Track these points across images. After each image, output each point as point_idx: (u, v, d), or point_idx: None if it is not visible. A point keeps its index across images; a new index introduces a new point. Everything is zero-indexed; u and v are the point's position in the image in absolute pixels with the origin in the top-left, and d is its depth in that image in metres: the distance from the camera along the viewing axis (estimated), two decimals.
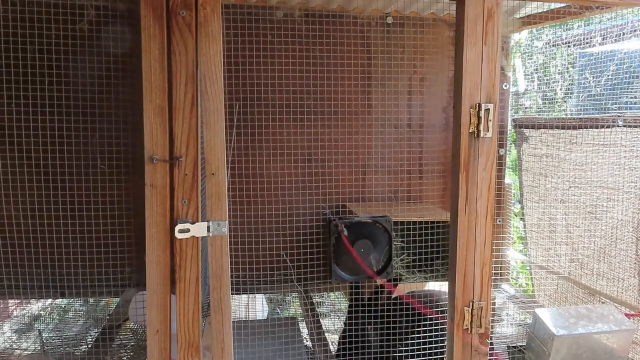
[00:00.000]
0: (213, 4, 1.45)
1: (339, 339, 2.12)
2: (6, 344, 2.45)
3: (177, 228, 1.46)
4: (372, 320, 2.02)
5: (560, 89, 3.49)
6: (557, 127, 2.60)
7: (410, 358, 2.00)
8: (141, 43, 1.45)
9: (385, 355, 1.98)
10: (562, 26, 3.09)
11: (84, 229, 2.26)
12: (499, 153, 1.70)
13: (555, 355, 1.89)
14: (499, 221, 2.72)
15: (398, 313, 1.95)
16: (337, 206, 2.81)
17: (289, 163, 2.70)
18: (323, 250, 2.52)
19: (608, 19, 3.04)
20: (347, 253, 2.18)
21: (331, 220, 2.22)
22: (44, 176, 2.24)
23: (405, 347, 1.89)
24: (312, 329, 2.41)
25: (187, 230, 1.47)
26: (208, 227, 1.50)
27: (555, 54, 3.53)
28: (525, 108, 3.39)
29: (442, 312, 1.95)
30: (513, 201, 3.07)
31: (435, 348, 1.90)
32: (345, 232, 2.13)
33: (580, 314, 2.01)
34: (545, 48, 3.45)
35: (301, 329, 2.48)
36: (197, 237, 1.51)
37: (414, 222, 2.37)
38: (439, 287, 2.28)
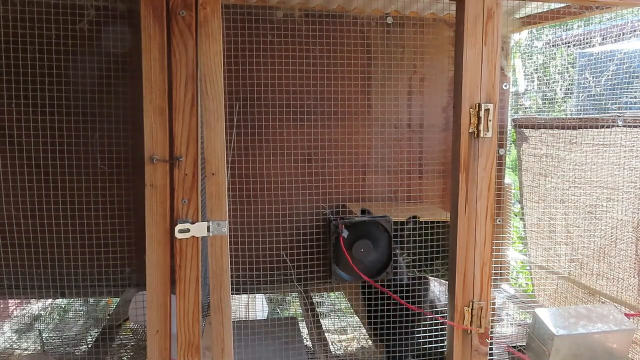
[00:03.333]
0: (213, 4, 1.45)
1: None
2: (6, 344, 2.45)
3: (177, 228, 1.46)
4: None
5: (560, 89, 3.50)
6: (557, 127, 2.60)
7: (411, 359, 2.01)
8: (141, 43, 1.45)
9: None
10: (562, 26, 3.09)
11: (84, 229, 2.26)
12: (499, 153, 1.70)
13: (555, 355, 1.89)
14: (499, 221, 2.72)
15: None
16: (337, 206, 2.81)
17: (289, 163, 2.71)
18: (323, 250, 2.51)
19: (608, 19, 3.04)
20: (350, 254, 2.18)
21: (331, 220, 2.22)
22: (44, 176, 2.24)
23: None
24: (312, 329, 2.41)
25: (187, 230, 1.47)
26: (208, 227, 1.49)
27: (555, 54, 3.53)
28: (525, 108, 3.39)
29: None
30: (513, 201, 3.07)
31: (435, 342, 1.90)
32: (345, 234, 2.13)
33: (580, 314, 2.01)
34: (545, 48, 3.45)
35: (301, 329, 2.48)
36: (197, 237, 1.51)
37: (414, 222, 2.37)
38: (438, 284, 2.27)
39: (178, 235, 1.47)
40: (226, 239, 1.52)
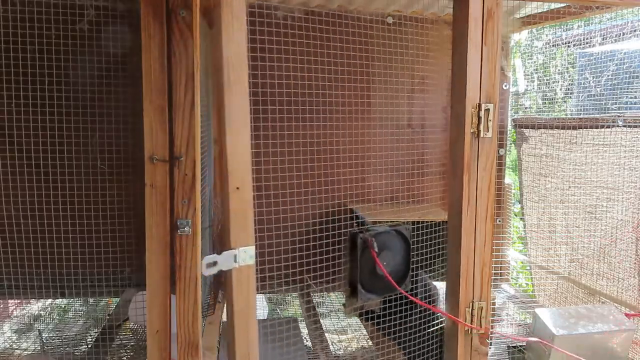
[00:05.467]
0: None
1: None
2: (6, 344, 2.44)
3: (204, 262, 1.19)
4: None
5: (560, 89, 3.50)
6: (557, 127, 2.60)
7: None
8: (141, 43, 1.45)
9: None
10: (562, 26, 3.09)
11: (84, 229, 2.26)
12: (499, 153, 1.70)
13: (555, 355, 1.89)
14: (499, 221, 2.72)
15: None
16: (338, 205, 2.81)
17: (290, 164, 2.70)
18: (326, 251, 2.49)
19: (608, 19, 3.04)
20: (373, 270, 1.99)
21: (357, 234, 1.97)
22: (44, 176, 2.24)
23: None
24: (312, 329, 2.41)
25: (214, 264, 1.21)
26: (235, 257, 1.23)
27: (555, 54, 3.53)
28: (525, 108, 3.39)
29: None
30: (513, 201, 3.07)
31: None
32: (376, 248, 1.93)
33: (580, 314, 2.01)
34: (545, 48, 3.45)
35: (301, 329, 2.48)
36: (197, 237, 1.50)
37: (414, 222, 2.36)
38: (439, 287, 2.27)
39: (205, 271, 1.21)
40: (253, 268, 1.26)
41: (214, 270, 1.19)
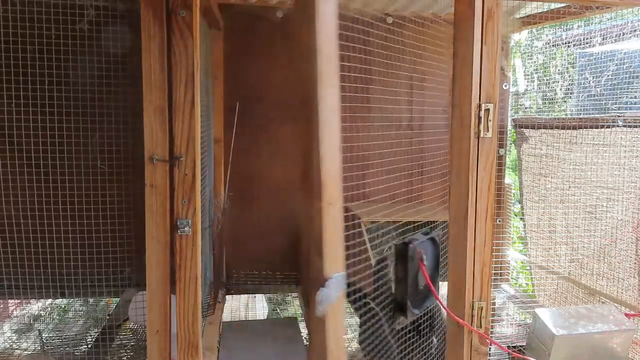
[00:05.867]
0: None
1: None
2: (6, 344, 2.45)
3: (318, 299, 1.01)
4: None
5: (560, 89, 3.50)
6: (557, 127, 2.60)
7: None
8: (141, 43, 1.45)
9: None
10: (562, 26, 3.10)
11: (84, 229, 2.26)
12: (499, 153, 1.70)
13: (555, 355, 1.89)
14: (499, 221, 2.72)
15: None
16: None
17: (291, 165, 2.71)
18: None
19: (608, 19, 3.04)
20: (416, 283, 1.86)
21: (407, 245, 1.81)
22: (44, 176, 2.24)
23: None
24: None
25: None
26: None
27: (555, 54, 3.53)
28: (525, 108, 3.39)
29: None
30: (513, 201, 3.07)
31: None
32: (425, 261, 1.79)
33: (580, 314, 2.01)
34: (545, 48, 3.45)
35: (301, 329, 2.49)
36: (197, 236, 1.50)
37: (414, 222, 2.36)
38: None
39: (318, 310, 1.03)
40: (344, 297, 1.06)
41: (322, 307, 1.01)
